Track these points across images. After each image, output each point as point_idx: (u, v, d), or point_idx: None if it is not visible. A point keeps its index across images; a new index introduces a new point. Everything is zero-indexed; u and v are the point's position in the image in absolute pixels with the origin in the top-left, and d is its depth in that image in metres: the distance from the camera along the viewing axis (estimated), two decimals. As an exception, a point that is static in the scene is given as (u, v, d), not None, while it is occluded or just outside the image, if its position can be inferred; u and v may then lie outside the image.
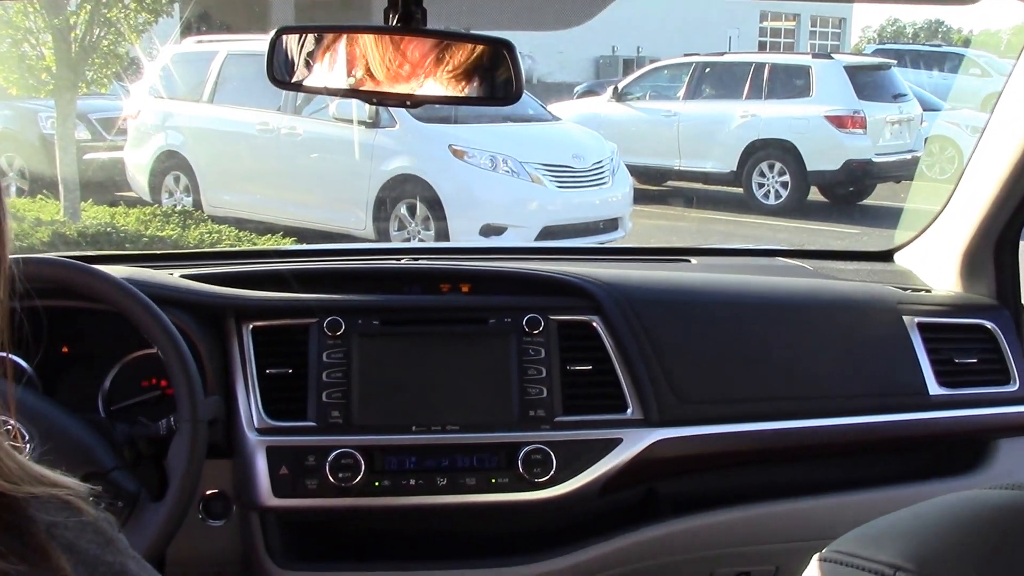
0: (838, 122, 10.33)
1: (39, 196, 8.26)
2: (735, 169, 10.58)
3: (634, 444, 1.86)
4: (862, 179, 10.57)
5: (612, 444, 1.86)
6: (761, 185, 10.43)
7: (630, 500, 1.97)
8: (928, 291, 2.20)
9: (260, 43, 1.51)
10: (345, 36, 1.48)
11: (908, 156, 10.75)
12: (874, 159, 10.39)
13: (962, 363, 2.04)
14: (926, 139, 11.29)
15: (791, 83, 10.77)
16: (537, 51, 17.97)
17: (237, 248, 5.51)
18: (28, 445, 1.56)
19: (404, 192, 7.60)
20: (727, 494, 1.98)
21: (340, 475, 1.78)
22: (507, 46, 1.45)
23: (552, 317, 1.92)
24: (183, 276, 1.94)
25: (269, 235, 7.30)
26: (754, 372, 1.96)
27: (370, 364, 1.86)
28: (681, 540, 1.93)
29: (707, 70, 11.39)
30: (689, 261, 2.38)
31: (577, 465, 1.84)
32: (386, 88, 1.55)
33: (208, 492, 1.86)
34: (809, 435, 1.96)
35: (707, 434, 1.91)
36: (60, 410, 1.66)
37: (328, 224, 7.81)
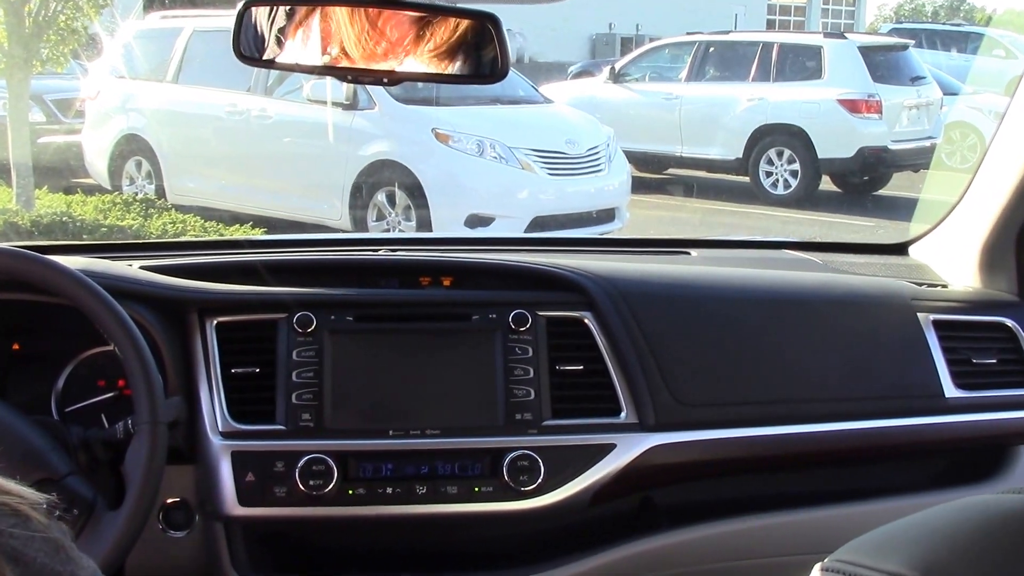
0: (851, 106, 10.35)
1: (-11, 183, 8.22)
2: (741, 156, 10.59)
3: (628, 450, 1.86)
4: (877, 167, 10.59)
5: (605, 450, 1.86)
6: (769, 174, 10.44)
7: (624, 510, 1.97)
8: (944, 286, 2.21)
9: (229, 19, 1.50)
10: (319, 9, 1.48)
11: (927, 143, 10.77)
12: (890, 146, 10.41)
13: (981, 363, 2.05)
14: (945, 125, 11.32)
15: (801, 64, 10.79)
16: (528, 28, 17.95)
17: (202, 238, 5.49)
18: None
19: (383, 179, 7.59)
20: (728, 504, 1.98)
21: (311, 482, 1.78)
22: (492, 20, 1.45)
23: (540, 313, 1.92)
24: (143, 267, 1.93)
25: (238, 225, 7.28)
26: (758, 373, 1.96)
27: (344, 363, 1.86)
28: (679, 553, 1.93)
29: (711, 50, 11.40)
30: (689, 254, 2.39)
31: (567, 473, 1.84)
32: (362, 65, 1.55)
33: (169, 500, 1.85)
34: (816, 440, 1.96)
35: (707, 439, 1.91)
36: (10, 412, 1.66)
37: (301, 213, 7.80)
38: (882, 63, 10.74)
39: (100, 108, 8.86)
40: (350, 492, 1.80)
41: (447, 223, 7.35)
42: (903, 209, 9.39)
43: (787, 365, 1.98)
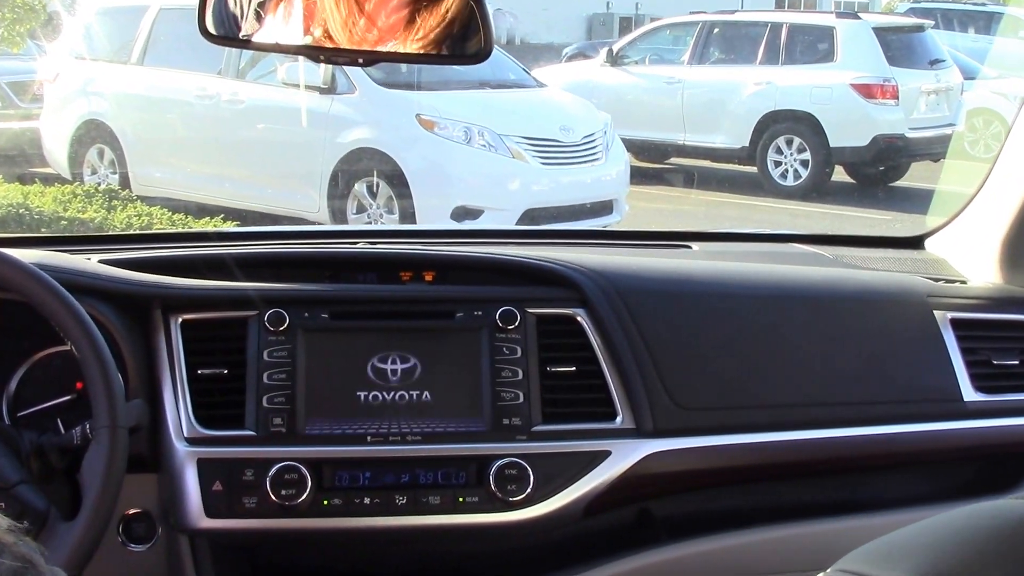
0: (866, 91, 10.37)
1: (-61, 172, 8.20)
2: (747, 145, 10.60)
3: (624, 457, 1.86)
4: (893, 157, 10.61)
5: (599, 457, 1.86)
6: (777, 163, 10.45)
7: (619, 522, 1.97)
8: (963, 282, 2.21)
9: (197, -4, 1.51)
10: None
11: (946, 130, 10.80)
12: (907, 134, 10.42)
13: (1002, 365, 2.06)
14: (967, 112, 11.34)
15: (812, 46, 10.80)
16: (519, 7, 17.95)
17: (167, 231, 5.49)
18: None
19: (364, 169, 7.58)
20: (731, 516, 1.99)
21: (283, 492, 1.77)
22: (475, -5, 1.45)
23: (530, 310, 1.92)
24: (102, 261, 1.93)
25: (208, 218, 7.27)
26: (763, 375, 1.96)
27: (318, 364, 1.85)
28: (678, 569, 1.93)
29: (716, 30, 11.41)
30: (690, 247, 2.39)
31: (558, 482, 1.84)
32: (335, 44, 1.55)
33: (129, 512, 1.85)
34: (826, 447, 1.96)
35: (709, 446, 1.91)
36: (-44, 416, 1.66)
37: (276, 205, 7.79)
38: (899, 45, 10.75)
39: (59, 92, 8.84)
40: (325, 503, 1.80)
41: (432, 216, 7.35)
42: (921, 201, 9.41)
43: (794, 367, 1.98)
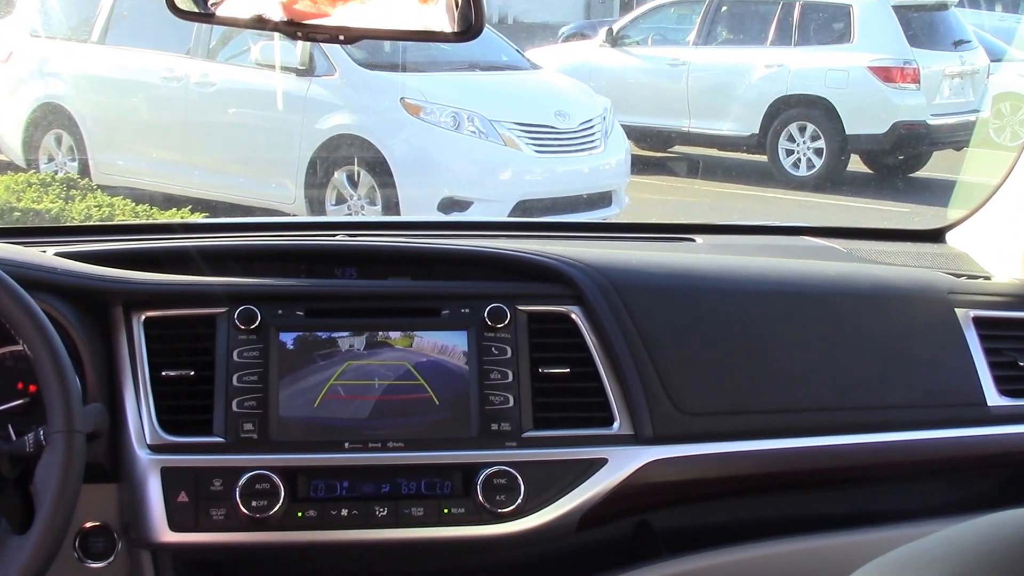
0: (885, 75, 10.37)
1: None
2: (757, 132, 10.59)
3: (621, 466, 1.87)
4: (914, 145, 10.61)
5: (594, 466, 1.86)
6: (789, 152, 10.45)
7: (616, 536, 1.98)
8: (986, 278, 2.22)
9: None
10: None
11: (971, 117, 10.80)
12: (929, 120, 10.42)
13: (1028, 367, 2.06)
14: (994, 96, 11.35)
15: (828, 26, 10.80)
16: (513, -17, 17.93)
17: (129, 222, 5.48)
18: None
19: (344, 156, 7.57)
20: (737, 528, 1.99)
21: (254, 503, 1.78)
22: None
23: (521, 307, 1.93)
24: (58, 254, 1.93)
25: (174, 209, 7.25)
26: (771, 377, 1.97)
27: (292, 365, 1.86)
28: (680, 586, 1.94)
29: (723, 8, 11.40)
30: (693, 240, 2.40)
31: (550, 492, 1.84)
32: (313, 19, 1.55)
33: (87, 525, 1.85)
34: (839, 455, 1.97)
35: (712, 454, 1.92)
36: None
37: (248, 195, 7.77)
38: (920, 24, 10.75)
39: (13, 72, 8.80)
40: (299, 515, 1.80)
41: (418, 207, 7.34)
42: (943, 193, 9.40)
43: (805, 368, 1.99)
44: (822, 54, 10.59)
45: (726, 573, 1.95)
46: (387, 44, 7.68)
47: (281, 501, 1.78)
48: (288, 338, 1.87)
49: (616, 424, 1.89)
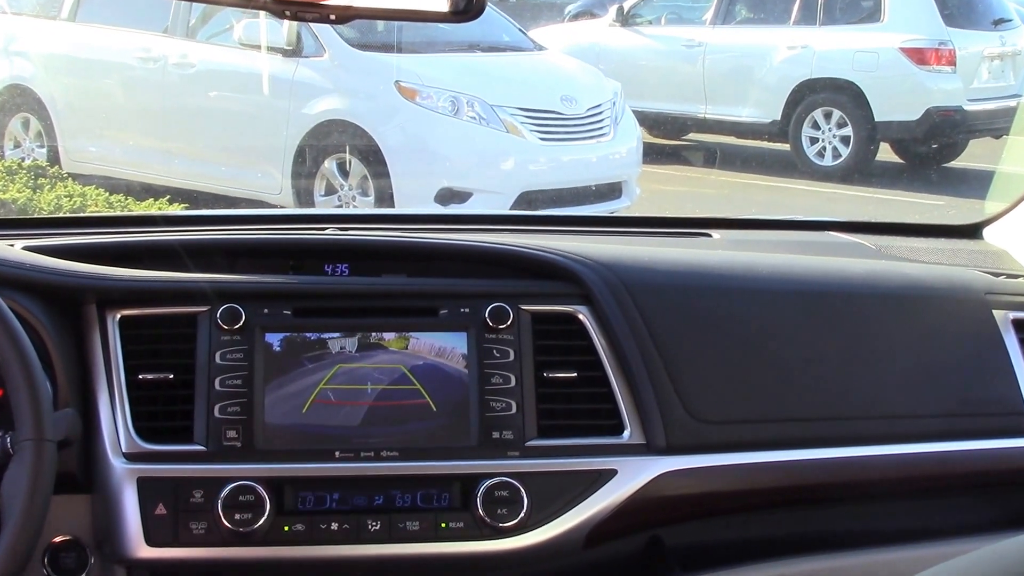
0: (918, 56, 10.36)
1: None
2: (779, 119, 10.59)
3: (632, 478, 1.87)
4: (949, 133, 10.60)
5: (603, 477, 1.87)
6: (814, 140, 10.45)
7: (626, 553, 1.98)
8: (1027, 277, 2.22)
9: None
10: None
11: (1012, 102, 10.78)
12: (965, 106, 10.41)
13: (1072, 373, 2.06)
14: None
15: (856, 4, 10.79)
16: (516, -43, 17.91)
17: (104, 214, 5.48)
18: None
19: (334, 144, 7.57)
20: (755, 546, 1.99)
21: (238, 516, 1.78)
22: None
23: (524, 307, 1.93)
24: (26, 248, 1.93)
25: (152, 200, 7.26)
26: (793, 383, 1.97)
27: (279, 368, 1.86)
28: (694, 607, 1.95)
29: (743, -15, 11.40)
30: (710, 235, 2.40)
31: (555, 505, 1.85)
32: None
33: (57, 539, 1.85)
34: (867, 467, 1.97)
35: (729, 465, 1.92)
36: None
37: (231, 185, 7.77)
38: (956, 2, 10.74)
39: (-23, 52, 8.81)
40: (286, 528, 1.80)
41: (413, 199, 7.33)
42: (980, 185, 9.40)
43: (830, 374, 1.99)
44: (850, 34, 10.58)
45: (744, 594, 1.96)
46: (381, 23, 7.68)
47: (266, 514, 1.78)
48: (274, 339, 1.88)
49: (626, 433, 1.90)
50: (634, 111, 8.49)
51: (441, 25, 7.14)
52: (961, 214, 8.64)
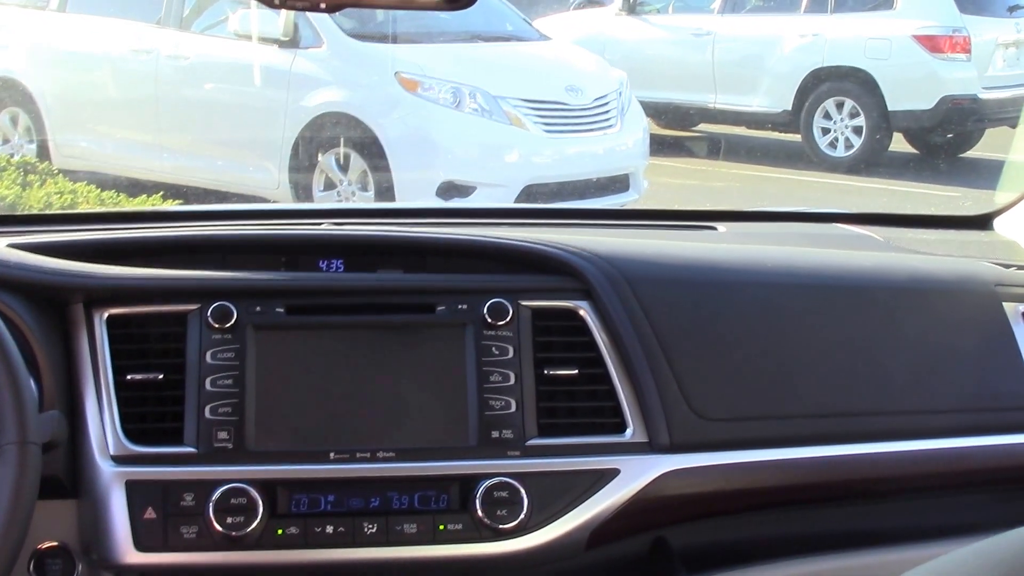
0: (931, 44, 10.35)
1: None
2: (790, 109, 10.59)
3: (635, 477, 1.87)
4: (964, 122, 10.59)
5: (605, 477, 1.87)
6: (825, 131, 10.44)
7: (630, 554, 1.98)
8: (1038, 269, 2.22)
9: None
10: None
11: (1028, 91, 10.78)
12: (980, 95, 10.40)
13: (1084, 367, 2.06)
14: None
15: (868, -11, 10.79)
16: (519, -56, 17.91)
17: (92, 210, 5.48)
18: None
19: (333, 137, 7.57)
20: (763, 545, 2.00)
21: (230, 520, 1.78)
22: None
23: (524, 303, 1.94)
24: (12, 245, 1.93)
25: (144, 196, 7.26)
26: (800, 379, 1.97)
27: (272, 367, 1.87)
28: (699, 610, 1.95)
29: (753, -29, 11.40)
30: (715, 228, 2.40)
31: (556, 506, 1.85)
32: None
33: (42, 545, 1.85)
34: (875, 465, 1.98)
35: (735, 464, 1.92)
36: None
37: (227, 181, 7.77)
38: (970, -12, 10.73)
39: (-36, 45, 8.81)
40: (279, 532, 1.80)
41: (415, 193, 7.33)
42: (995, 176, 9.39)
43: (838, 369, 1.99)
44: (861, 22, 10.57)
45: (750, 596, 1.96)
46: (379, 12, 7.68)
47: (259, 517, 1.79)
48: (267, 337, 1.88)
49: (629, 431, 1.90)
50: (641, 102, 8.47)
51: (441, 13, 7.14)
52: (977, 205, 8.63)
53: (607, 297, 1.93)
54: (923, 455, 1.97)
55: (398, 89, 7.55)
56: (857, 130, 10.30)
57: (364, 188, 7.46)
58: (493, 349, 1.90)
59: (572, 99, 7.83)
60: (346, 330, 1.90)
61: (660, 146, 9.32)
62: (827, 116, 10.39)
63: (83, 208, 6.79)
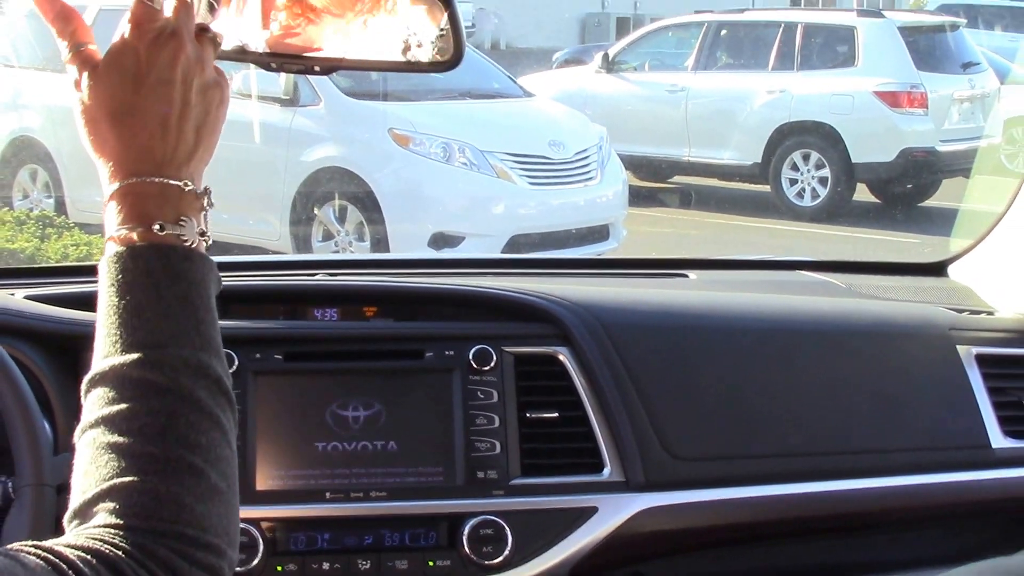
0: (892, 99, 10.40)
1: None
2: (760, 161, 10.62)
3: (613, 514, 1.87)
4: (923, 173, 10.63)
5: (585, 515, 1.87)
6: (793, 181, 10.48)
7: (609, 587, 1.97)
8: (990, 313, 2.23)
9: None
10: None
11: (983, 143, 10.82)
12: (938, 147, 10.45)
13: (1034, 407, 2.07)
14: (1005, 121, 11.37)
15: (831, 49, 10.85)
16: (505, 7, 18.03)
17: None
18: None
19: (331, 190, 7.57)
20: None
21: (231, 557, 1.78)
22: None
23: (507, 349, 1.94)
24: (28, 297, 1.93)
25: (154, 247, 7.24)
26: (767, 420, 1.98)
27: (270, 411, 1.87)
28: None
29: (723, 32, 11.45)
30: (687, 276, 2.41)
31: (539, 542, 1.85)
32: (286, 49, 1.56)
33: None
34: (838, 501, 1.97)
35: (707, 501, 1.92)
36: None
37: (230, 232, 7.76)
38: (928, 47, 10.80)
39: (-15, 105, 8.81)
40: (278, 568, 1.80)
41: (408, 243, 7.33)
42: (953, 223, 9.42)
43: (802, 410, 2.00)
44: (826, 79, 10.63)
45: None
46: (374, 73, 7.71)
47: (259, 555, 1.78)
48: (266, 383, 1.88)
49: (606, 470, 1.90)
50: (620, 155, 8.50)
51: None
52: (935, 251, 8.63)
53: (585, 343, 1.94)
54: (884, 491, 1.98)
55: (391, 144, 7.56)
56: (823, 181, 10.34)
57: (360, 238, 7.45)
58: (478, 393, 1.90)
59: (555, 153, 7.85)
60: (340, 376, 1.90)
61: (637, 197, 9.33)
62: (794, 168, 10.43)
63: (98, 259, 6.77)
